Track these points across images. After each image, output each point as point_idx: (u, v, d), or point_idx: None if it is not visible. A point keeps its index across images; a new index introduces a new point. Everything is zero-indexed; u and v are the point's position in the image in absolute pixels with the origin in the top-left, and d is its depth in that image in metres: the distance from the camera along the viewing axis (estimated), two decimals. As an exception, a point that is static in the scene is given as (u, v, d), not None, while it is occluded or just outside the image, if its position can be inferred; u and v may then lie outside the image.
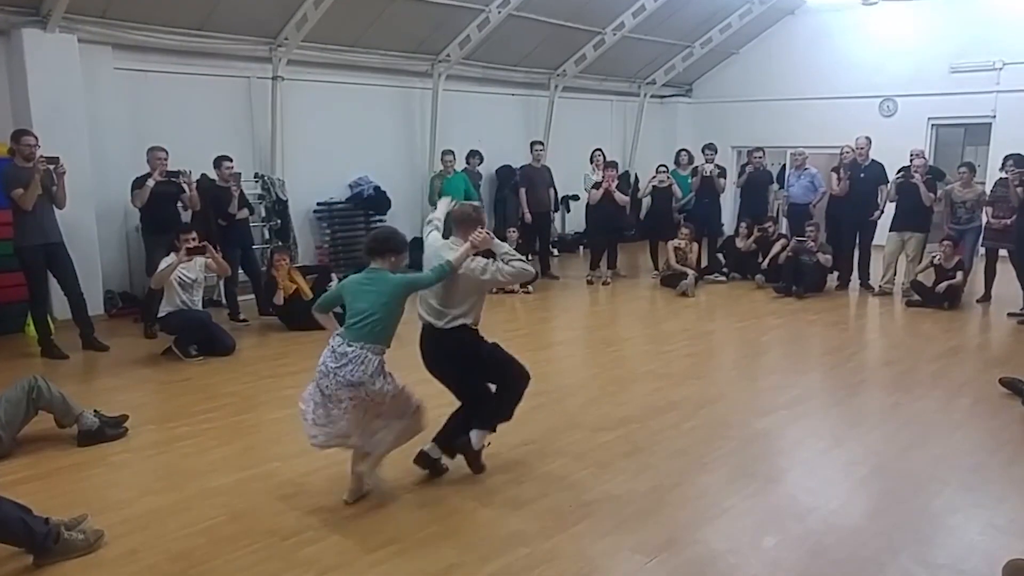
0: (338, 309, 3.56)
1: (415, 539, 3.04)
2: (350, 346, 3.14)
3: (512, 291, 8.07)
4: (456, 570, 2.83)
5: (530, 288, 8.28)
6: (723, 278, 8.98)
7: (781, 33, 12.42)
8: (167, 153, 6.47)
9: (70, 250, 5.86)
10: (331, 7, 7.62)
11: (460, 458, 3.62)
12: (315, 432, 3.26)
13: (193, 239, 5.71)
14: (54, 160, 5.54)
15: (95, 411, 4.09)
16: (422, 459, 3.56)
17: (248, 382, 5.17)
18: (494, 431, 3.59)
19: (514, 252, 3.50)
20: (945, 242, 7.50)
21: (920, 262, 7.77)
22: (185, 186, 6.48)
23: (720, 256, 9.29)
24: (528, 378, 3.59)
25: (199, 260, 5.76)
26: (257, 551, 2.96)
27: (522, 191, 9.20)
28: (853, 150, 8.22)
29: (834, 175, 8.34)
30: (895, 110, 11.40)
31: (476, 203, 3.73)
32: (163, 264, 5.61)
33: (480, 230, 3.39)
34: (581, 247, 11.30)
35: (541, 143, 9.77)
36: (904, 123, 11.05)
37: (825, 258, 8.12)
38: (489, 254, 3.47)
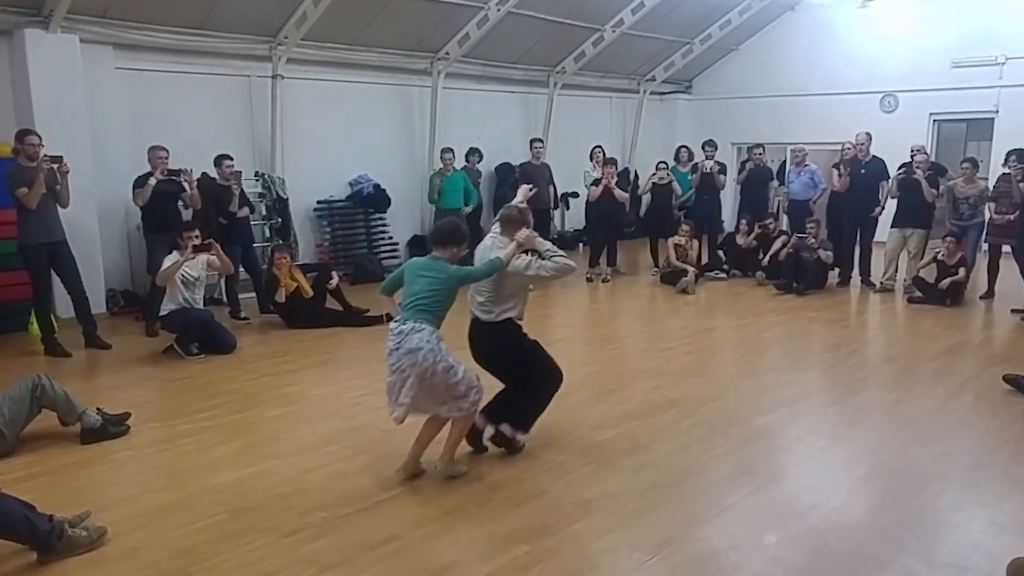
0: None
1: (415, 537, 3.05)
2: (404, 323, 3.40)
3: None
4: (456, 568, 2.84)
5: (530, 286, 8.27)
6: (723, 275, 8.97)
7: (781, 29, 12.39)
8: (168, 152, 6.48)
9: (72, 249, 5.88)
10: (330, 5, 7.61)
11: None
12: (392, 407, 3.44)
13: (196, 236, 5.73)
14: (58, 159, 5.56)
15: (98, 409, 4.11)
16: (470, 431, 3.73)
17: (249, 380, 5.18)
18: (527, 431, 3.81)
19: (556, 249, 3.73)
20: (948, 238, 7.48)
21: (922, 259, 7.76)
22: (186, 185, 6.49)
23: (720, 253, 9.28)
24: (561, 379, 3.84)
25: (202, 258, 5.79)
26: (258, 548, 2.96)
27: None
28: (854, 146, 8.20)
29: (835, 171, 8.32)
30: (896, 106, 11.37)
31: (522, 205, 3.98)
32: (168, 262, 5.63)
33: (524, 229, 3.62)
34: (581, 244, 11.30)
35: (540, 140, 9.76)
36: (905, 119, 11.01)
37: (826, 255, 8.11)
38: (535, 252, 3.70)
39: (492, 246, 3.71)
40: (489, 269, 3.56)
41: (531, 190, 4.19)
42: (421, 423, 3.58)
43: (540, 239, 3.72)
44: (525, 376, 3.77)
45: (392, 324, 3.46)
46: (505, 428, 3.77)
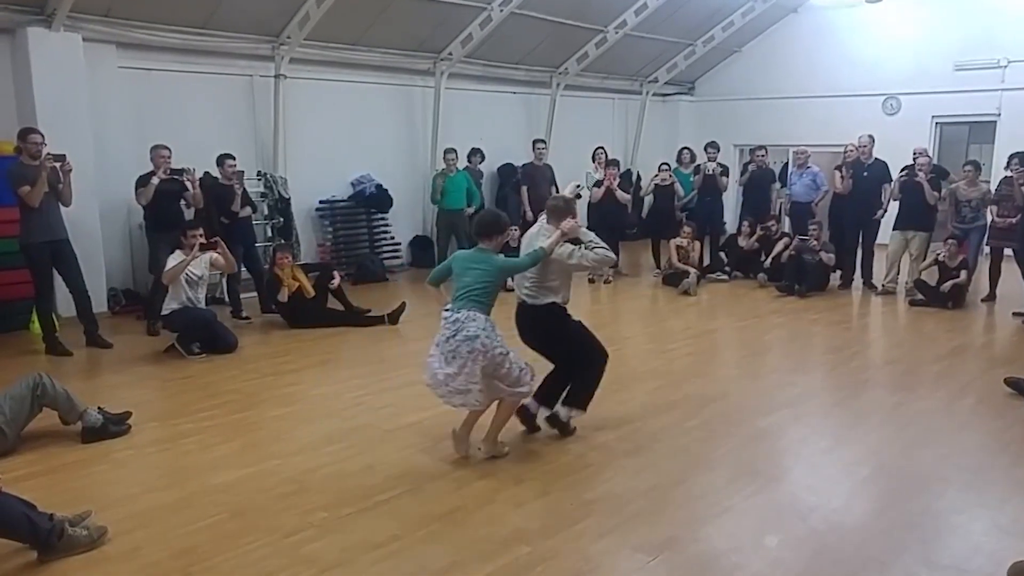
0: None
1: (416, 537, 3.05)
2: (459, 312, 3.55)
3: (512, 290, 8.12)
4: (456, 568, 2.83)
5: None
6: (725, 277, 8.97)
7: (784, 31, 12.39)
8: (170, 151, 6.48)
9: (74, 247, 5.88)
10: (333, 5, 7.63)
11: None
12: (445, 393, 3.62)
13: (200, 235, 5.75)
14: (60, 158, 5.56)
15: (99, 408, 4.10)
16: (522, 413, 3.97)
17: (250, 380, 5.18)
18: (584, 410, 3.99)
19: (599, 240, 3.88)
20: (949, 240, 7.48)
21: (924, 261, 7.76)
22: (188, 184, 6.49)
23: (722, 255, 9.28)
24: (606, 357, 4.01)
25: (205, 256, 5.80)
26: (259, 548, 2.96)
27: (524, 189, 9.20)
28: (856, 148, 8.20)
29: (837, 173, 8.32)
30: (898, 108, 11.37)
31: (568, 196, 4.14)
32: (172, 260, 5.63)
33: (569, 219, 3.77)
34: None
35: (543, 141, 9.77)
36: (908, 121, 11.02)
37: (828, 257, 8.11)
38: (578, 241, 3.84)
39: (539, 233, 3.90)
40: (533, 259, 3.73)
41: (578, 187, 4.30)
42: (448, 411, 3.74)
43: (584, 229, 3.86)
44: (572, 355, 3.96)
45: (445, 312, 3.62)
46: (561, 411, 3.98)
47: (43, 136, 5.56)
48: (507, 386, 3.64)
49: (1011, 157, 7.42)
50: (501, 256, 3.78)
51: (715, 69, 13.09)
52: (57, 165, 5.54)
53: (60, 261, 5.77)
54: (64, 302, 6.24)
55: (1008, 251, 7.49)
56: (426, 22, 8.91)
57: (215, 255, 5.87)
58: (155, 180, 6.35)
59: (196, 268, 5.74)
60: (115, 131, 7.14)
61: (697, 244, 8.79)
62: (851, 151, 8.28)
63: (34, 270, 5.73)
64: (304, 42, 8.09)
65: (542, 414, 4.02)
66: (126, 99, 7.31)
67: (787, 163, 11.24)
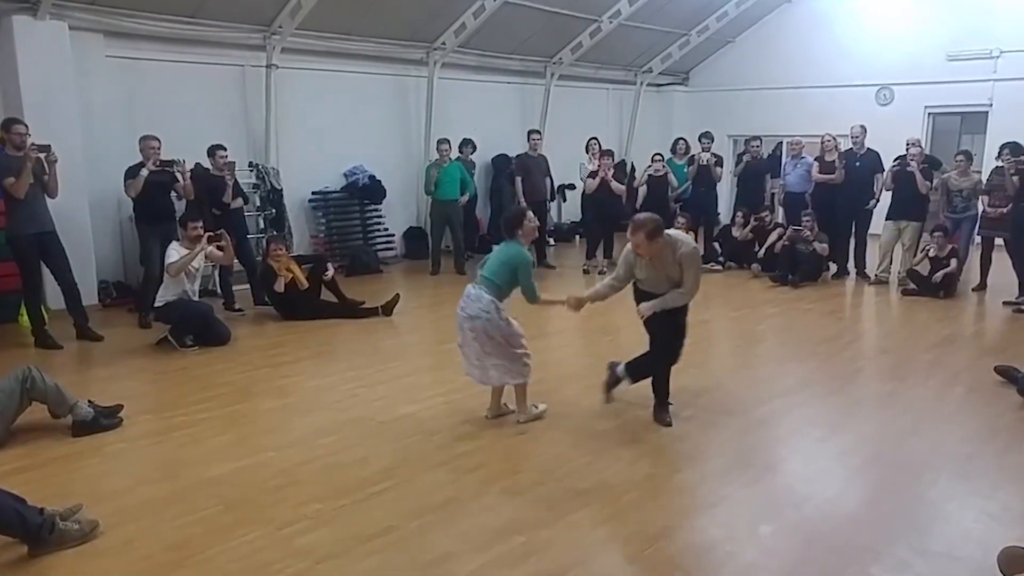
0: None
1: (410, 528, 3.04)
2: (474, 288, 4.00)
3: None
4: (451, 559, 2.83)
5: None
6: (719, 267, 8.98)
7: (777, 21, 12.37)
8: (160, 142, 6.40)
9: (63, 240, 5.82)
10: (325, -6, 7.55)
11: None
12: (463, 362, 4.12)
13: (201, 227, 5.70)
14: (45, 148, 5.49)
15: (89, 401, 4.07)
16: (610, 368, 4.45)
17: (243, 372, 5.16)
18: (634, 382, 4.37)
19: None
20: (936, 232, 7.52)
21: (916, 250, 7.79)
22: (179, 175, 6.43)
23: (716, 245, 9.29)
24: (674, 360, 4.36)
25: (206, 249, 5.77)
26: (252, 541, 2.95)
27: (518, 180, 9.17)
28: (834, 138, 8.24)
29: (815, 163, 8.38)
30: (891, 98, 11.38)
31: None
32: (175, 254, 5.58)
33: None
34: (577, 236, 11.28)
35: (538, 132, 9.73)
36: (901, 111, 11.04)
37: (821, 247, 8.13)
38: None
39: (627, 254, 4.28)
40: (531, 293, 4.14)
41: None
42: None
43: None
44: (662, 335, 4.35)
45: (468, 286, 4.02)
46: (626, 380, 4.39)
47: (27, 127, 5.49)
48: (508, 367, 3.97)
49: (1002, 147, 7.45)
50: (528, 259, 4.12)
51: (709, 59, 13.06)
52: (42, 156, 5.48)
53: (47, 253, 5.71)
54: (54, 294, 6.18)
55: (999, 241, 7.53)
56: (419, 11, 8.84)
57: (211, 247, 5.84)
58: (144, 171, 6.27)
59: (196, 260, 5.71)
60: (103, 121, 7.06)
61: (691, 235, 8.76)
62: (828, 141, 8.35)
63: (21, 263, 5.67)
64: (296, 31, 8.01)
65: (625, 383, 4.37)
66: (114, 89, 7.23)
67: (780, 151, 11.24)
